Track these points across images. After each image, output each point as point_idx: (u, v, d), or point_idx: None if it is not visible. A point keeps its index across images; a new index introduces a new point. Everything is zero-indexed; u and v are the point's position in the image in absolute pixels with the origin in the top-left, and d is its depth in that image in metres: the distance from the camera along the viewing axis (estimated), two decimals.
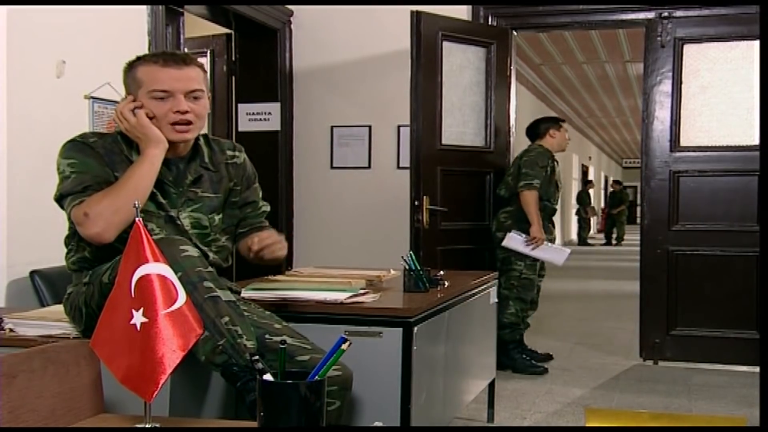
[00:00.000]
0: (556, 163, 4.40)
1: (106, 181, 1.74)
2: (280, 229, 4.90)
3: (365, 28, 4.70)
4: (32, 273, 2.73)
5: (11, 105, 2.75)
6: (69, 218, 1.78)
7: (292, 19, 4.84)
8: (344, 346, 1.02)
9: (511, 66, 4.63)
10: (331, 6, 4.75)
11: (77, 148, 1.79)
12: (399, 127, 4.65)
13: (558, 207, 4.54)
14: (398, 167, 4.69)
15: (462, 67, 4.41)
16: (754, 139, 4.34)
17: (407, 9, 4.14)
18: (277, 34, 4.76)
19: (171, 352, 1.00)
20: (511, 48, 4.62)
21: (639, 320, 4.58)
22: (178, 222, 1.84)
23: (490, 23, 4.61)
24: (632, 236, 13.63)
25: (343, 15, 4.76)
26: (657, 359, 4.51)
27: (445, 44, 4.25)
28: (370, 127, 4.77)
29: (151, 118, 1.79)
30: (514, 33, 4.69)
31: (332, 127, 4.82)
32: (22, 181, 2.80)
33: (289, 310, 2.10)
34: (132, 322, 1.02)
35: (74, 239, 1.84)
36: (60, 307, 2.11)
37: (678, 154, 4.48)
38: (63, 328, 1.86)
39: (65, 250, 1.90)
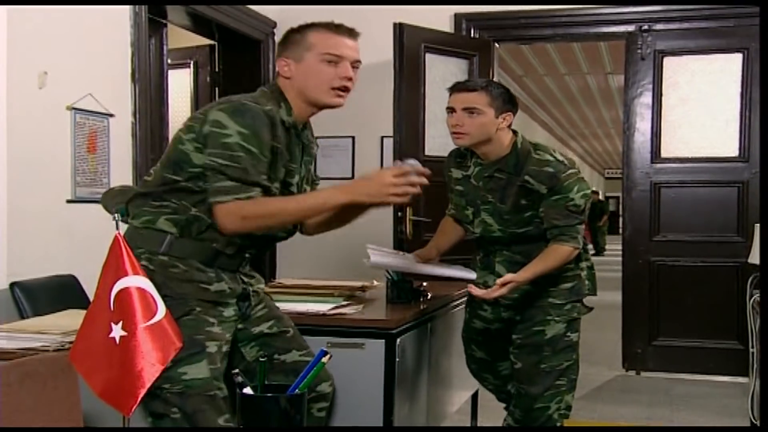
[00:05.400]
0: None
1: (265, 168, 1.72)
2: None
3: None
4: (12, 285, 2.70)
5: None
6: (180, 177, 1.71)
7: (275, 30, 4.84)
8: (325, 359, 1.02)
9: (493, 78, 4.65)
10: (314, 17, 4.75)
11: (253, 115, 1.70)
12: (382, 138, 4.67)
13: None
14: None
15: (445, 78, 4.43)
16: (734, 150, 4.39)
17: (390, 21, 4.16)
18: (261, 45, 4.77)
19: (150, 365, 1.00)
20: (494, 60, 4.66)
21: (621, 330, 4.61)
22: (294, 190, 1.87)
23: (472, 35, 4.64)
24: (613, 246, 13.70)
25: None
26: (639, 370, 4.53)
27: (428, 56, 4.28)
28: (353, 138, 4.78)
29: (303, 87, 1.83)
30: (497, 45, 4.73)
31: (315, 137, 4.81)
32: (2, 192, 2.77)
33: None
34: (111, 335, 1.01)
35: (179, 195, 1.73)
36: (40, 320, 2.08)
37: (659, 165, 4.52)
38: (42, 341, 1.83)
39: (155, 205, 1.74)
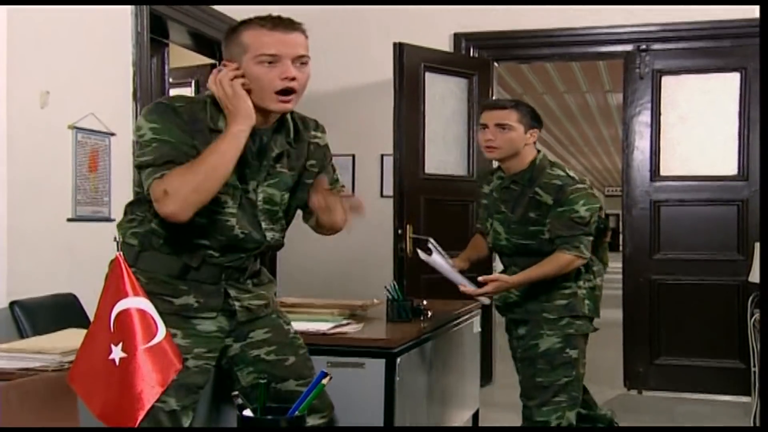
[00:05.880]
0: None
1: (187, 154, 1.64)
2: (264, 258, 4.89)
3: (349, 58, 4.74)
4: (12, 303, 2.69)
5: None
6: (143, 188, 1.68)
7: None
8: (325, 381, 1.02)
9: (492, 96, 4.68)
10: (315, 36, 4.79)
11: (162, 110, 1.67)
12: (382, 156, 4.68)
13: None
14: (382, 196, 4.70)
15: (444, 97, 4.46)
16: (734, 169, 4.40)
17: (390, 40, 4.19)
18: None
19: (150, 387, 0.99)
20: (493, 79, 4.69)
21: (622, 349, 4.59)
22: (252, 197, 1.75)
23: (471, 55, 4.67)
24: (613, 264, 13.65)
25: (327, 45, 4.80)
26: (641, 389, 4.51)
27: (428, 75, 4.31)
28: (353, 156, 4.79)
29: (248, 91, 1.67)
30: (496, 64, 4.76)
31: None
32: (3, 211, 2.78)
33: None
34: (111, 357, 1.01)
35: (142, 208, 1.75)
36: (39, 339, 2.08)
37: (658, 183, 4.53)
38: (42, 361, 1.83)
39: (125, 218, 1.79)
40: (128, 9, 3.47)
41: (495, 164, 2.89)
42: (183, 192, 1.58)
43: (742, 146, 4.37)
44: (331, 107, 4.80)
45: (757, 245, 3.70)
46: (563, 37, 4.58)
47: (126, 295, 1.03)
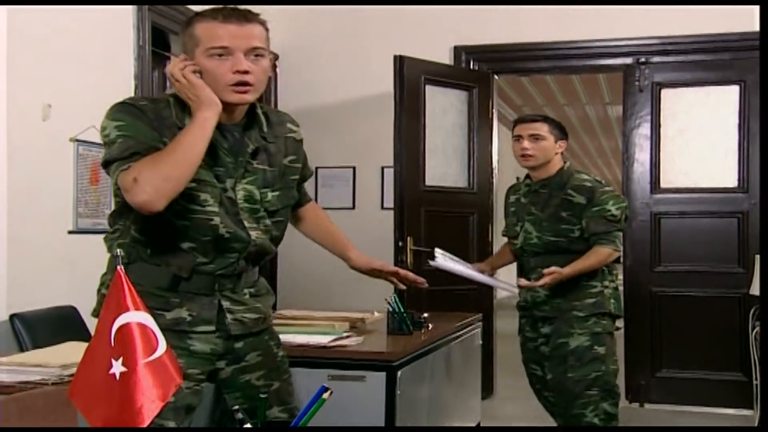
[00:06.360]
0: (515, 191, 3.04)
1: (154, 147, 1.59)
2: (264, 270, 4.89)
3: (350, 71, 4.77)
4: (12, 316, 2.69)
5: None
6: (116, 189, 1.62)
7: (277, 62, 4.89)
8: (325, 396, 1.01)
9: (492, 109, 4.70)
10: (316, 50, 4.82)
11: (126, 110, 1.63)
12: (383, 168, 4.69)
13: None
14: (382, 208, 4.71)
15: (445, 109, 4.48)
16: (734, 181, 4.41)
17: (390, 53, 4.21)
18: None
19: (150, 402, 0.99)
20: (493, 91, 4.70)
21: (624, 362, 4.57)
22: (232, 195, 1.68)
23: (471, 67, 4.69)
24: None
25: (328, 58, 4.83)
26: (643, 402, 4.49)
27: (428, 88, 4.32)
28: (354, 168, 4.81)
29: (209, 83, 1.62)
30: (496, 77, 4.78)
31: (317, 168, 4.83)
32: (3, 223, 2.78)
33: None
34: (111, 371, 1.01)
35: (123, 218, 1.69)
36: (39, 352, 2.07)
37: (658, 195, 4.53)
38: (42, 374, 1.82)
39: (109, 230, 1.75)
40: (130, 22, 3.49)
41: (507, 178, 3.26)
42: (154, 180, 1.52)
43: (742, 159, 4.38)
44: (332, 119, 4.82)
45: (758, 258, 3.70)
46: (563, 50, 4.60)
47: (127, 309, 1.02)
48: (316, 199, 4.89)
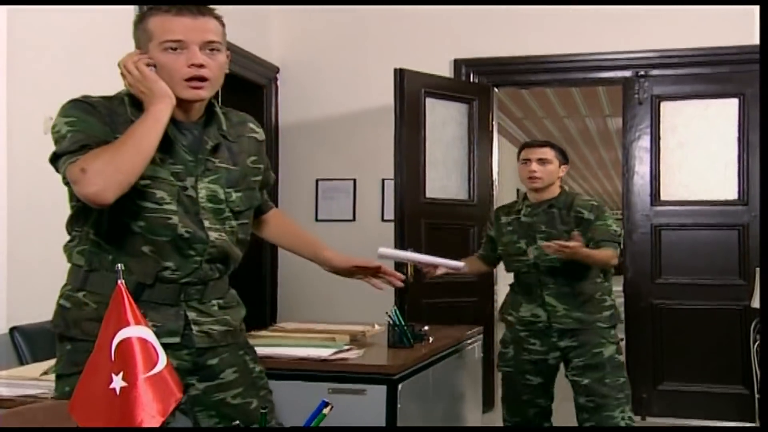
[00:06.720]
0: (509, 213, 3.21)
1: (105, 141, 1.53)
2: (264, 282, 4.89)
3: (350, 84, 4.79)
4: (12, 329, 2.69)
5: None
6: (71, 193, 1.59)
7: (278, 75, 4.92)
8: (326, 411, 1.01)
9: (493, 121, 4.71)
10: (317, 63, 4.84)
11: (78, 106, 1.61)
12: (383, 180, 4.70)
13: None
14: (383, 220, 4.71)
15: (445, 122, 4.49)
16: (734, 193, 4.41)
17: (391, 66, 4.23)
18: (264, 90, 4.83)
19: (150, 417, 0.99)
20: (493, 104, 4.72)
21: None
22: (192, 194, 1.61)
23: (471, 80, 4.71)
24: (615, 288, 13.59)
25: (329, 71, 4.85)
26: (644, 415, 4.47)
27: (428, 100, 4.34)
28: (354, 180, 4.81)
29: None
30: (496, 90, 4.80)
31: (317, 180, 4.85)
32: (3, 236, 2.78)
33: (271, 367, 2.08)
34: (111, 386, 1.01)
35: (80, 223, 1.64)
36: (40, 365, 2.07)
37: (658, 208, 4.54)
38: (42, 388, 1.82)
39: (67, 238, 1.70)
40: (130, 35, 3.50)
41: (498, 199, 3.49)
42: (105, 171, 1.47)
43: (742, 171, 4.38)
44: (333, 132, 4.84)
45: (758, 270, 3.70)
46: (562, 63, 4.62)
47: (127, 324, 1.03)
48: (316, 212, 4.91)
